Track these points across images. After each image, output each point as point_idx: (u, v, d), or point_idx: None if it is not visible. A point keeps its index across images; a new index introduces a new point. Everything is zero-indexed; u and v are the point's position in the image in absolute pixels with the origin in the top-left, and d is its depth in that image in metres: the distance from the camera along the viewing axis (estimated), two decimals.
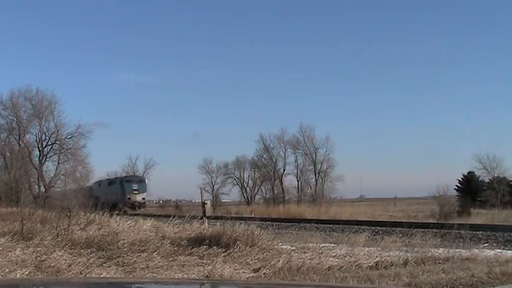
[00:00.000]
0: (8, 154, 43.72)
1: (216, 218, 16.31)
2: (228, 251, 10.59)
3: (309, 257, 10.39)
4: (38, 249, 10.39)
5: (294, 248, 12.05)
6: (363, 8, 77.22)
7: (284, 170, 54.16)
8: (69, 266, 8.92)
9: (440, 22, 74.93)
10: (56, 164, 45.95)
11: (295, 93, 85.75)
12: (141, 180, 49.18)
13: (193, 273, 8.79)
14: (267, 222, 22.82)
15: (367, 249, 11.76)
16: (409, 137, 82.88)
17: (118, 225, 14.44)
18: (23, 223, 12.77)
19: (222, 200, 59.28)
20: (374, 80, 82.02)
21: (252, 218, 23.08)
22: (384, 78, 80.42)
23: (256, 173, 58.34)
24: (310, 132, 53.60)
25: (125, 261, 9.77)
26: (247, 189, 59.76)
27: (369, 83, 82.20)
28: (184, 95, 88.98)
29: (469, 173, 44.49)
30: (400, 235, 12.69)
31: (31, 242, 11.26)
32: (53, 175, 45.82)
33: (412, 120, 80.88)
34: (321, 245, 12.51)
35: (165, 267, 9.31)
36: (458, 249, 11.24)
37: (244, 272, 8.94)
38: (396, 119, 77.41)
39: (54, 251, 10.08)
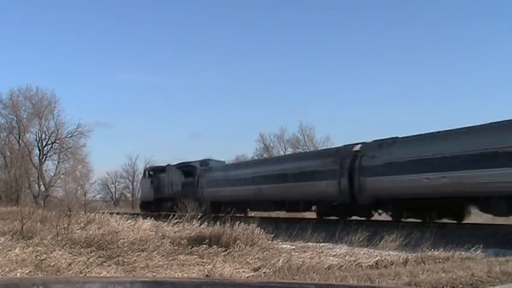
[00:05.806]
0: (8, 153, 43.82)
1: (216, 216, 16.30)
2: (228, 250, 10.61)
3: (309, 256, 10.41)
4: (38, 248, 10.38)
5: (293, 247, 12.06)
6: (364, 8, 77.28)
7: None
8: (69, 265, 8.92)
9: (444, 35, 75.00)
10: (56, 163, 46.13)
11: (295, 93, 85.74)
12: None
13: (193, 273, 8.80)
14: (267, 222, 22.77)
15: (367, 248, 11.77)
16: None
17: (118, 224, 14.44)
18: (23, 222, 12.77)
19: None
20: (373, 79, 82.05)
21: (252, 217, 23.05)
22: (384, 78, 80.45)
23: None
24: (310, 132, 53.74)
25: (124, 260, 9.77)
26: None
27: (369, 83, 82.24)
28: (184, 95, 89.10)
29: None
30: (400, 234, 12.68)
31: (31, 241, 11.26)
32: (53, 174, 45.97)
33: (412, 120, 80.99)
34: (321, 244, 12.53)
35: (165, 267, 9.32)
36: (458, 248, 11.23)
37: (244, 271, 8.94)
38: (396, 119, 77.36)
39: (54, 250, 10.08)
